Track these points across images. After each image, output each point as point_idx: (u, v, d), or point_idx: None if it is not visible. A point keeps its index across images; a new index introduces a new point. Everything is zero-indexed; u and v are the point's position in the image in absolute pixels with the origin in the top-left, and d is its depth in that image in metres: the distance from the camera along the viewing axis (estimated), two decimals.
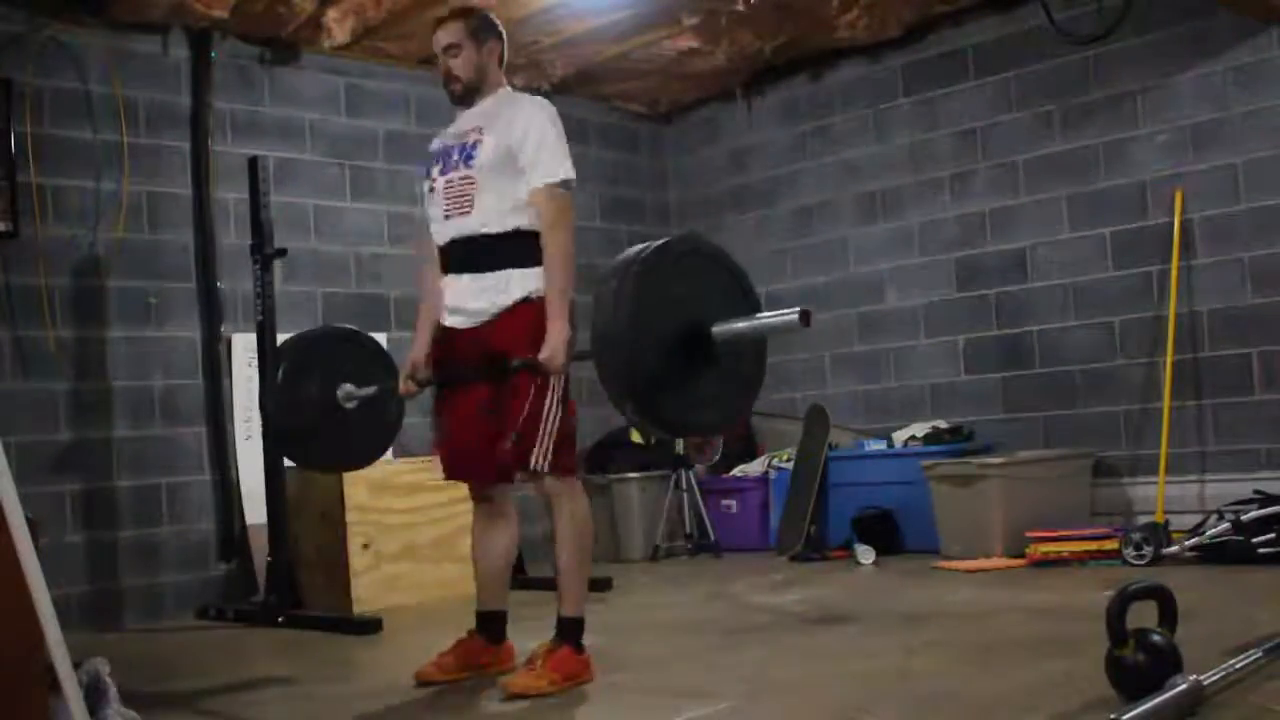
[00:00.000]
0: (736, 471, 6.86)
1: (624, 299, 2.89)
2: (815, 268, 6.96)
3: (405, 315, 6.32)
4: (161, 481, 5.40)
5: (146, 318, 5.45)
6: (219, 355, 5.61)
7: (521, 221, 3.32)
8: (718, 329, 2.99)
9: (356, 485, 5.16)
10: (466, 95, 3.48)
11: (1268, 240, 5.37)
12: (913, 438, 6.15)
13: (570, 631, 3.37)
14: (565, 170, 3.32)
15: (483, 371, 3.36)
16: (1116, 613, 2.62)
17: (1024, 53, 6.08)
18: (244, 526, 5.52)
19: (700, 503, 6.58)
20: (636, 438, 6.84)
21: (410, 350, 3.63)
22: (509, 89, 3.55)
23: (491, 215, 3.33)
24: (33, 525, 2.14)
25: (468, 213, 3.35)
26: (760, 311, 3.12)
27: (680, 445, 6.64)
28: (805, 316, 2.86)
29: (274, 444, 4.08)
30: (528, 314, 3.30)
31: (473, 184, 3.34)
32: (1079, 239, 5.93)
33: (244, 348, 5.58)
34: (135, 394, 5.37)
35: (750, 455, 7.01)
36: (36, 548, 2.11)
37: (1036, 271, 6.08)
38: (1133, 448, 5.72)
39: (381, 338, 6.13)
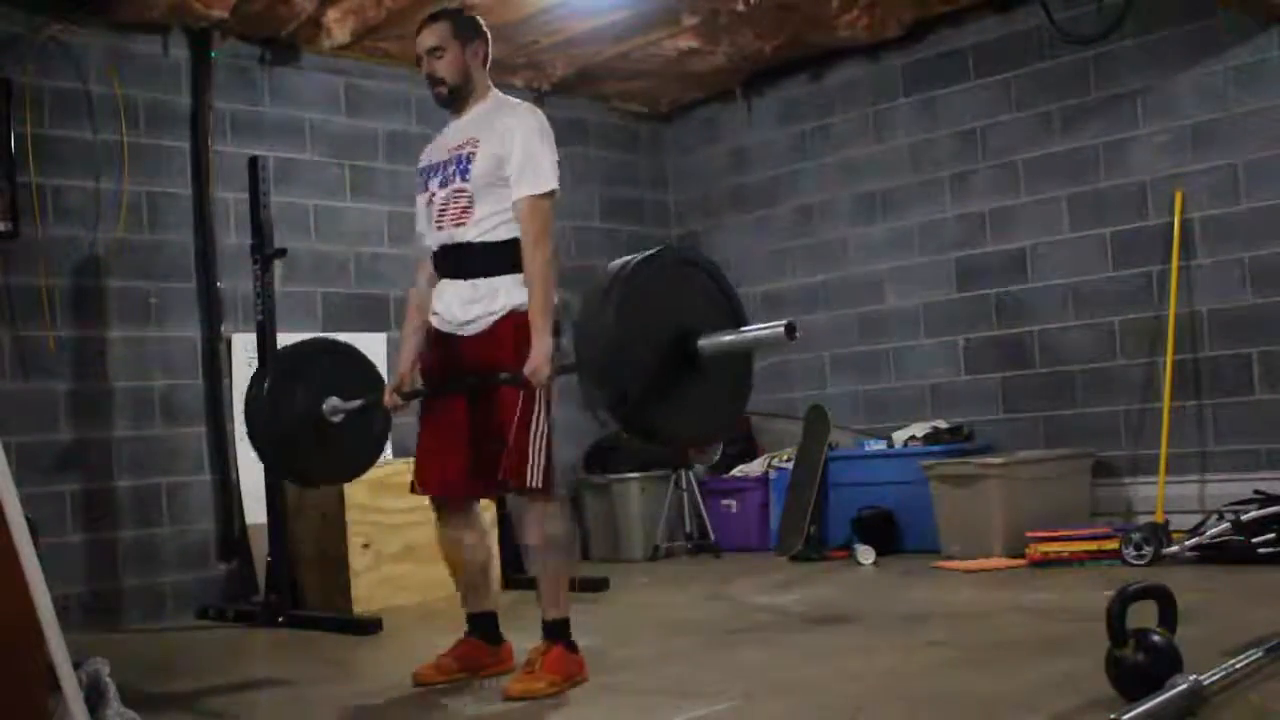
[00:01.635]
0: (736, 471, 6.85)
1: (611, 308, 2.86)
2: (815, 268, 6.96)
3: (405, 315, 6.32)
4: (161, 481, 5.40)
5: (146, 318, 5.45)
6: (219, 355, 5.61)
7: (515, 232, 3.36)
8: (704, 342, 2.94)
9: (356, 485, 5.14)
10: (452, 97, 3.50)
11: (1268, 240, 5.37)
12: (913, 438, 6.15)
13: (560, 631, 3.40)
14: (550, 182, 3.35)
15: (469, 383, 3.39)
16: (1116, 613, 2.62)
17: (1024, 53, 6.08)
18: (244, 526, 5.52)
19: (700, 503, 6.58)
20: None
21: (397, 364, 3.65)
22: (497, 93, 3.56)
23: (486, 226, 3.37)
24: (32, 525, 2.14)
25: (464, 224, 3.39)
26: (746, 323, 3.09)
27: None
28: (790, 330, 2.83)
29: (260, 458, 3.97)
30: (515, 325, 3.33)
31: (468, 196, 3.38)
32: (1079, 239, 5.93)
33: (244, 348, 5.58)
34: (135, 394, 5.37)
35: (750, 455, 7.00)
36: (36, 548, 2.11)
37: (1036, 271, 6.08)
38: (1133, 448, 5.72)
39: (381, 338, 6.16)
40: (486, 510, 3.82)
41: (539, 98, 6.94)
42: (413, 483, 3.54)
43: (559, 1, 5.78)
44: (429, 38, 3.49)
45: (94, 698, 2.75)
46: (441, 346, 3.48)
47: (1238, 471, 5.36)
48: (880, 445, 6.30)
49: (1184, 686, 2.46)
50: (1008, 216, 6.19)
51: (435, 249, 3.48)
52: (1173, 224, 5.55)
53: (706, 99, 7.39)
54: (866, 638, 3.87)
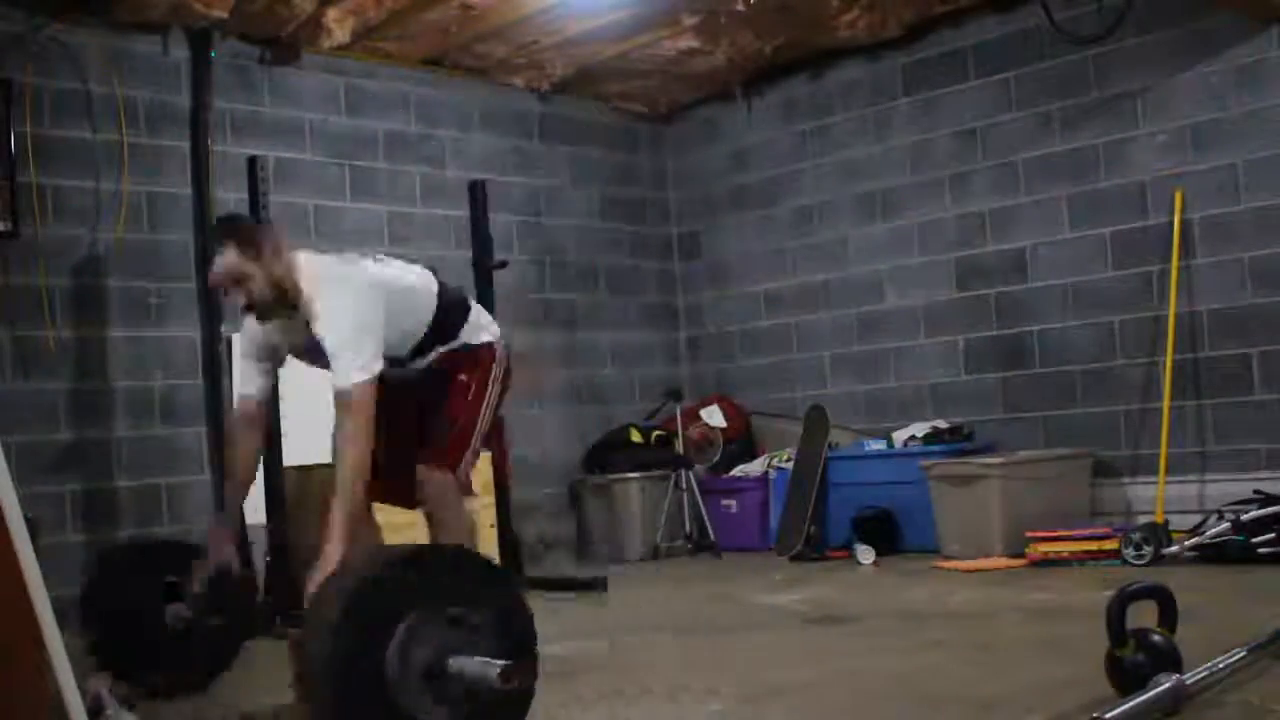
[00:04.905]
0: (736, 471, 6.86)
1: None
2: (815, 268, 6.96)
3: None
4: (161, 481, 5.40)
5: (146, 318, 5.45)
6: (219, 355, 5.59)
7: (423, 327, 3.38)
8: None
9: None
10: (280, 307, 3.22)
11: (1268, 240, 5.37)
12: (913, 438, 6.15)
13: None
14: (361, 368, 3.08)
15: (418, 375, 3.44)
16: (1116, 613, 2.62)
17: (1024, 53, 6.08)
18: (244, 526, 5.50)
19: (700, 503, 6.58)
20: (636, 437, 6.84)
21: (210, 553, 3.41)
22: (299, 272, 3.21)
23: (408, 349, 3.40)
24: (32, 525, 2.14)
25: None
26: None
27: (680, 445, 6.65)
28: (505, 675, 2.41)
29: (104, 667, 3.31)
30: (479, 349, 3.49)
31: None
32: (1079, 239, 5.93)
33: None
34: (135, 394, 5.37)
35: (750, 455, 7.01)
36: (36, 548, 2.11)
37: (1036, 272, 6.08)
38: (1132, 448, 5.72)
39: None
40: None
41: (539, 98, 6.97)
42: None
43: (559, 1, 5.78)
44: (224, 275, 3.18)
45: (94, 708, 2.78)
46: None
47: (1238, 471, 5.36)
48: (880, 445, 6.30)
49: (1167, 685, 2.46)
50: (1007, 216, 6.19)
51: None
52: (1173, 224, 5.55)
53: (706, 99, 7.39)
54: (866, 638, 3.87)
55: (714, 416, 6.99)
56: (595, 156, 7.30)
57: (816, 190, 6.97)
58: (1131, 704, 2.40)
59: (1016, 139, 6.14)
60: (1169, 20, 5.62)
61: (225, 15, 5.43)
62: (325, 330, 3.09)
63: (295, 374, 4.98)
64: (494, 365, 3.54)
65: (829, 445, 6.29)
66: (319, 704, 2.40)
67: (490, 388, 3.45)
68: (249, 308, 3.21)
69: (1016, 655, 3.39)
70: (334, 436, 3.11)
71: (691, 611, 4.79)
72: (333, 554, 2.96)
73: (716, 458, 6.93)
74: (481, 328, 3.57)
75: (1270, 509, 4.74)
